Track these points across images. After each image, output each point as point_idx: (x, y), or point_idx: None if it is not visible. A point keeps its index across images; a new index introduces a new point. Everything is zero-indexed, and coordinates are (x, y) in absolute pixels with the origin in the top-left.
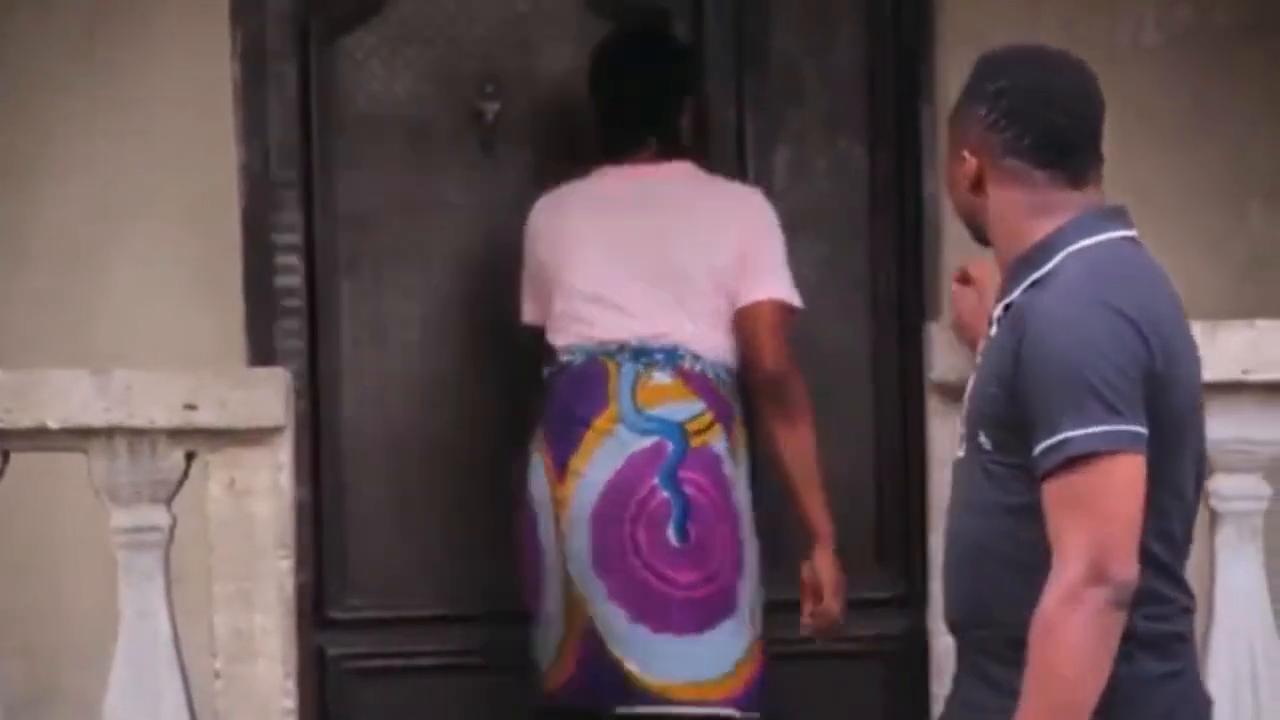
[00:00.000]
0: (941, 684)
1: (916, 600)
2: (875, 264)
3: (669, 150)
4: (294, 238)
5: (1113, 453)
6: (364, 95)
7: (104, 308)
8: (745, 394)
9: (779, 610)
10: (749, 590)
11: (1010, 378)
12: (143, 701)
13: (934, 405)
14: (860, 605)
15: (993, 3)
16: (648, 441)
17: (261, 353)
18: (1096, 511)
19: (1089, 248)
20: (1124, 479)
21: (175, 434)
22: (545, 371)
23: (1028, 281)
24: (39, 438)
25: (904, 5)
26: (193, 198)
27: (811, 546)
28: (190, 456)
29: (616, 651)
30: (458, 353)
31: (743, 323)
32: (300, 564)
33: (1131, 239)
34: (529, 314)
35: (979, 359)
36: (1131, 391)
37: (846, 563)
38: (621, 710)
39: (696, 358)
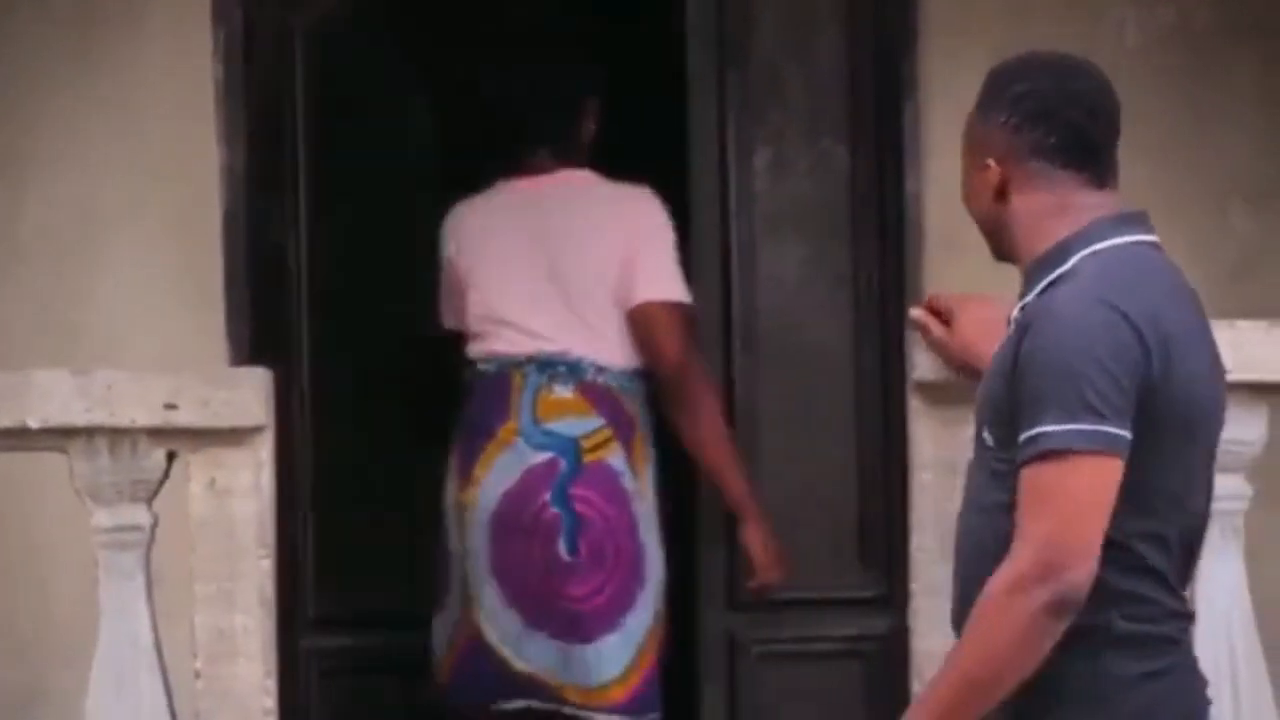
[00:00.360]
0: (923, 683)
1: (898, 600)
2: (857, 263)
3: (564, 157)
4: (276, 238)
5: (1085, 452)
6: (345, 96)
7: (91, 308)
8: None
9: (761, 610)
10: (651, 596)
11: (1010, 373)
12: (123, 702)
13: (916, 405)
14: (842, 605)
15: (974, 2)
16: (542, 457)
17: (244, 352)
18: (1060, 507)
19: (1105, 250)
20: (1094, 480)
21: (156, 433)
22: (465, 377)
23: (1045, 282)
24: (20, 438)
25: (885, 5)
26: (177, 199)
27: (740, 526)
28: (171, 456)
29: (506, 651)
30: (435, 348)
31: (634, 326)
32: (279, 563)
33: (1152, 244)
34: (446, 320)
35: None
36: (1118, 394)
37: (828, 562)
38: (501, 706)
39: (600, 370)
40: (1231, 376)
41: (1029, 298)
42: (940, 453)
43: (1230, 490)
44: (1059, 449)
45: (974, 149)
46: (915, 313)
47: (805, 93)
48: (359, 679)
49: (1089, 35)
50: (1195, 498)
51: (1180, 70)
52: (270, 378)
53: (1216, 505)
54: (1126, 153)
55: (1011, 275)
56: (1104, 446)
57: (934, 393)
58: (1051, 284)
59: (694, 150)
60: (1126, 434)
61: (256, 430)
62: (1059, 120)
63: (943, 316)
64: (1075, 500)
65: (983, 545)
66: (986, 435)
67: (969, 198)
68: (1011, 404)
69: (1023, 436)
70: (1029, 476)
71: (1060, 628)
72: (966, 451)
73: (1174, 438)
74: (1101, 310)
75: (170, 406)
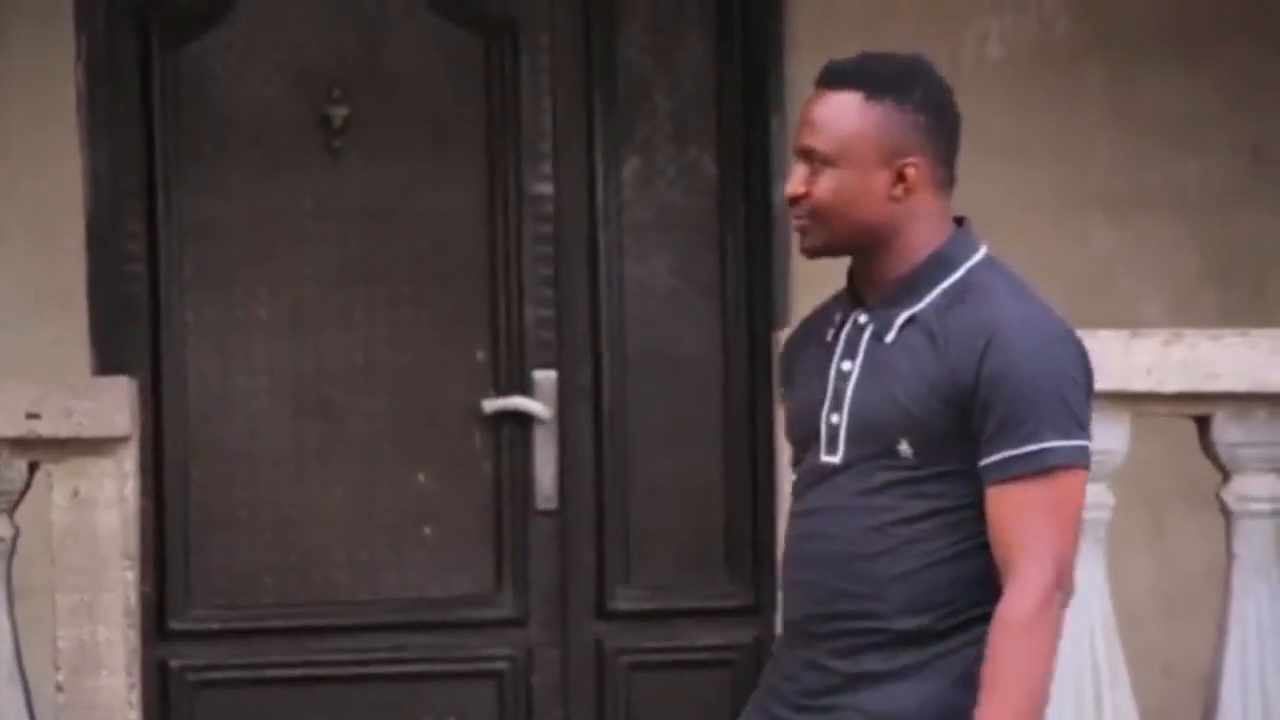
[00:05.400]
0: None
1: (765, 609)
2: (724, 272)
3: None
4: (138, 246)
5: (1081, 468)
6: (209, 101)
7: None
8: None
9: (630, 619)
10: None
11: (961, 390)
12: None
13: (782, 415)
14: (709, 614)
15: (839, 14)
16: None
17: (106, 362)
18: (1065, 521)
19: (988, 261)
20: (1082, 493)
21: (18, 444)
22: None
23: (935, 293)
24: None
25: (751, 16)
26: (38, 206)
27: None
28: (34, 466)
29: None
30: (303, 360)
31: None
32: (142, 575)
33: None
34: None
35: (856, 367)
36: (1089, 410)
37: (695, 572)
38: None
39: None
40: (1095, 386)
41: (919, 307)
42: None
43: (1092, 499)
44: (1063, 464)
45: (884, 145)
46: None
47: (672, 103)
48: (224, 692)
49: (953, 47)
50: None
51: (1040, 82)
52: (134, 387)
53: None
54: (984, 163)
55: None
56: (1089, 462)
57: None
58: (952, 295)
59: (561, 159)
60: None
61: (121, 440)
62: (955, 127)
63: None
64: (1074, 514)
65: (889, 555)
66: (904, 446)
67: (853, 199)
68: (960, 421)
69: (1015, 452)
70: (1031, 491)
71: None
72: None
73: None
74: (1059, 328)
75: (32, 416)
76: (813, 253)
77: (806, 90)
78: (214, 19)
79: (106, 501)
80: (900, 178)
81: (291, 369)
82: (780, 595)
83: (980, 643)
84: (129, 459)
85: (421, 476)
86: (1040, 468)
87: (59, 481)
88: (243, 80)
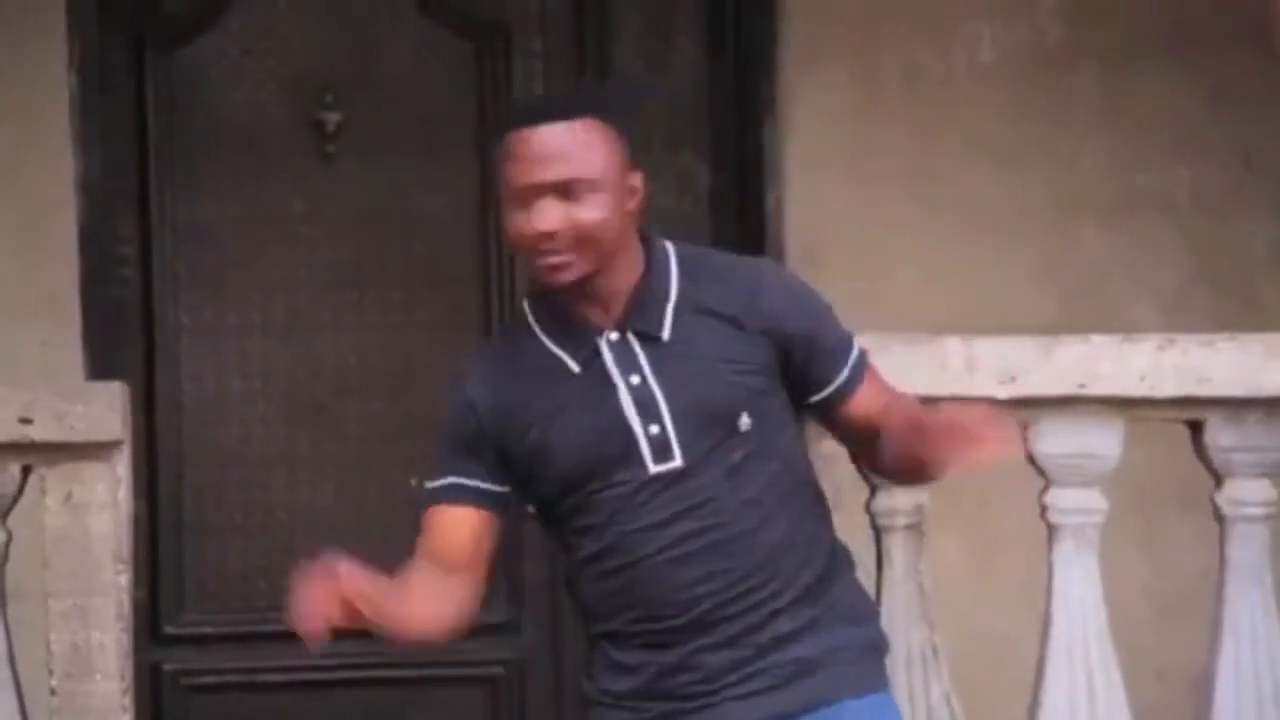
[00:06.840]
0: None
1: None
2: None
3: None
4: (130, 250)
5: None
6: (202, 105)
7: None
8: None
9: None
10: None
11: (790, 334)
12: None
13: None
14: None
15: (833, 19)
16: None
17: (99, 366)
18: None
19: (662, 236)
20: None
21: (11, 448)
22: None
23: (673, 279)
24: None
25: (743, 21)
26: (30, 210)
27: None
28: (26, 471)
29: None
30: (296, 364)
31: None
32: (136, 579)
33: None
34: None
35: (648, 376)
36: None
37: None
38: None
39: None
40: (1086, 390)
41: (674, 299)
42: None
43: (1085, 504)
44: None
45: (623, 164)
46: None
47: (665, 108)
48: (218, 697)
49: (944, 52)
50: None
51: (1033, 87)
52: (126, 391)
53: (1072, 519)
54: (979, 167)
55: (870, 289)
56: None
57: None
58: (695, 273)
59: None
60: None
61: (114, 444)
62: None
63: None
64: None
65: (770, 522)
66: (743, 420)
67: (613, 218)
68: (776, 366)
69: (853, 359)
70: (872, 376)
71: None
72: None
73: None
74: None
75: (25, 421)
76: (572, 283)
77: (800, 94)
78: (207, 24)
79: (99, 506)
80: (633, 191)
81: (284, 372)
82: (621, 608)
83: (847, 584)
84: (122, 463)
85: (414, 480)
86: (865, 360)
87: (52, 486)
88: (236, 85)
